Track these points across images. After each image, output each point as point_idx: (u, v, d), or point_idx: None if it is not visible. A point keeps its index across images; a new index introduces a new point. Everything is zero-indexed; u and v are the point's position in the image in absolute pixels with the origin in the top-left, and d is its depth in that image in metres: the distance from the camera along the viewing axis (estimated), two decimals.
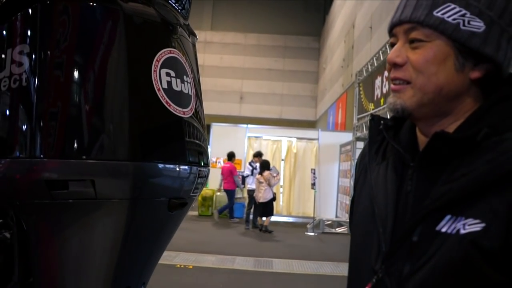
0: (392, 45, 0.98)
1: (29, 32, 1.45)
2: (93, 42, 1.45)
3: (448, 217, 0.85)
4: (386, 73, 8.07)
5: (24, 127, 1.38)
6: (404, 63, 0.93)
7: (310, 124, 22.82)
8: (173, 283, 5.58)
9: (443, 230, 0.85)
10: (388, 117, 1.11)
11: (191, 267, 6.49)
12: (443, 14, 0.90)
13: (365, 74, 10.04)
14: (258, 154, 11.50)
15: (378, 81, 8.76)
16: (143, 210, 1.50)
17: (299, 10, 23.93)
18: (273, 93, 24.15)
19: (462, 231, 0.82)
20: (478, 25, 0.89)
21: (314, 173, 11.43)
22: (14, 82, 1.39)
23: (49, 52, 1.41)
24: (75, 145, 1.37)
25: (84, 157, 1.36)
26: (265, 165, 10.65)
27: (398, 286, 0.89)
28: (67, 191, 1.34)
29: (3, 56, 1.44)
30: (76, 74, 1.41)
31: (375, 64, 9.06)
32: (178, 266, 6.45)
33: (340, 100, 16.60)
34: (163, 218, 1.57)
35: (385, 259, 0.92)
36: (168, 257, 6.53)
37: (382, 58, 8.51)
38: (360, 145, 10.42)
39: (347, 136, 11.77)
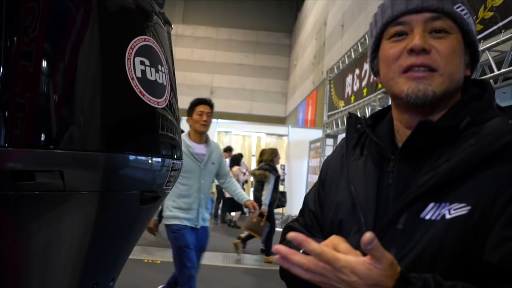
0: (399, 34, 0.98)
1: None
2: (64, 27, 1.38)
3: (431, 204, 0.88)
4: (357, 71, 8.13)
5: None
6: (430, 51, 0.94)
7: (280, 120, 22.90)
8: (141, 278, 5.49)
9: (427, 217, 0.87)
10: (359, 114, 1.16)
11: (158, 262, 6.41)
12: (460, 11, 0.96)
13: (336, 72, 10.11)
14: (227, 149, 11.46)
15: (349, 79, 8.83)
16: (113, 203, 1.44)
17: (271, 6, 23.93)
18: (243, 88, 24.12)
19: (448, 216, 0.85)
20: (474, 29, 0.99)
21: (283, 169, 11.47)
22: None
23: (16, 35, 1.33)
24: (43, 134, 1.30)
25: (52, 146, 1.30)
26: (235, 161, 10.63)
27: None
28: (34, 183, 1.27)
29: None
30: (44, 60, 1.34)
31: (347, 62, 9.13)
32: (146, 261, 6.37)
33: (310, 97, 16.69)
34: (134, 212, 1.51)
35: None
36: (136, 252, 6.43)
37: (353, 56, 8.58)
38: (330, 142, 10.50)
39: (317, 133, 11.85)
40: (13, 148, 1.28)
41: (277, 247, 0.79)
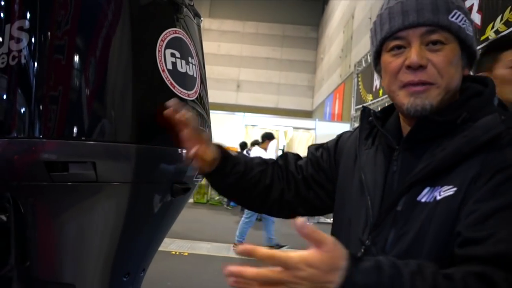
0: (397, 47, 1.04)
1: (29, 9, 1.40)
2: (96, 19, 1.39)
3: (427, 189, 0.95)
4: None
5: (22, 106, 1.33)
6: (426, 65, 1.00)
7: (307, 114, 22.79)
8: (169, 269, 5.56)
9: (423, 200, 0.95)
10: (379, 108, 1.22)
11: (186, 254, 6.48)
12: (455, 19, 1.00)
13: (364, 65, 9.99)
14: (255, 143, 11.47)
15: None
16: (145, 194, 1.46)
17: None
18: (270, 82, 24.07)
19: (438, 197, 0.93)
20: (471, 30, 1.04)
21: None
22: (13, 59, 1.33)
23: (49, 30, 1.36)
24: (75, 126, 1.32)
25: (84, 138, 1.31)
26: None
27: (383, 253, 0.97)
28: (67, 173, 1.29)
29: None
30: (77, 53, 1.36)
31: None
32: (174, 253, 6.44)
33: (338, 90, 16.55)
34: (165, 203, 1.53)
35: (372, 229, 1.02)
36: (164, 244, 6.48)
37: None
38: None
39: (344, 127, 11.75)
40: (48, 139, 1.30)
41: (228, 268, 0.77)
